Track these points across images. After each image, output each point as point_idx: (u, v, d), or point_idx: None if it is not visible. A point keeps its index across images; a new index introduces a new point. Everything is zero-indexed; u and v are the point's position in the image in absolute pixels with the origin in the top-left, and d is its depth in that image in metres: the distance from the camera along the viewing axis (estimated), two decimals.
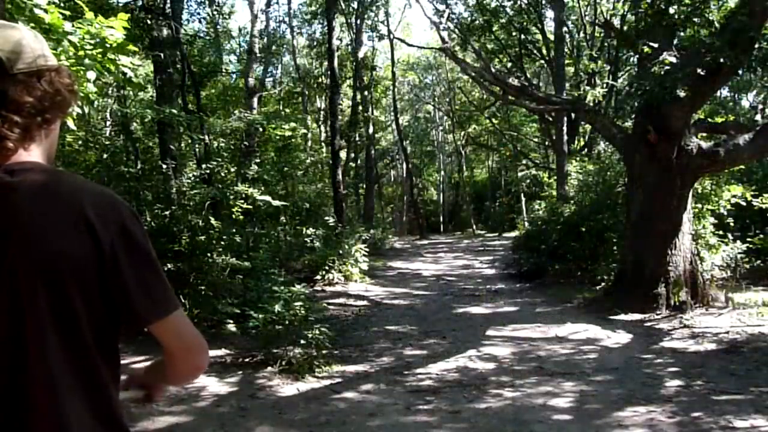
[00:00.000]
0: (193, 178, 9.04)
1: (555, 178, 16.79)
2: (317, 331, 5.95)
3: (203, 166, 9.18)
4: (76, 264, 1.02)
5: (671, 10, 7.61)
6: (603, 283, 9.57)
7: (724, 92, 22.06)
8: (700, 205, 9.53)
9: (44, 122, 1.11)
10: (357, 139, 24.96)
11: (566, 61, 17.89)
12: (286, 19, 25.80)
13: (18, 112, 1.06)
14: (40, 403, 1.00)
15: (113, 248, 1.04)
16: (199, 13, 18.31)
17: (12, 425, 0.99)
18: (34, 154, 1.10)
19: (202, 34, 18.44)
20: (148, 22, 10.90)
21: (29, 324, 0.99)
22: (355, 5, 22.06)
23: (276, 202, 9.54)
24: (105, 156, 9.28)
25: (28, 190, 1.03)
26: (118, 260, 1.04)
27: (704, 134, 8.87)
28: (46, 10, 3.96)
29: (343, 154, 20.81)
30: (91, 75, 4.22)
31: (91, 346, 1.04)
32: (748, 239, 9.90)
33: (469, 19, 20.70)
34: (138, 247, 1.08)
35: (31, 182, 1.04)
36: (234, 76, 22.24)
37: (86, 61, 4.21)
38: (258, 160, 11.35)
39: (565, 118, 16.42)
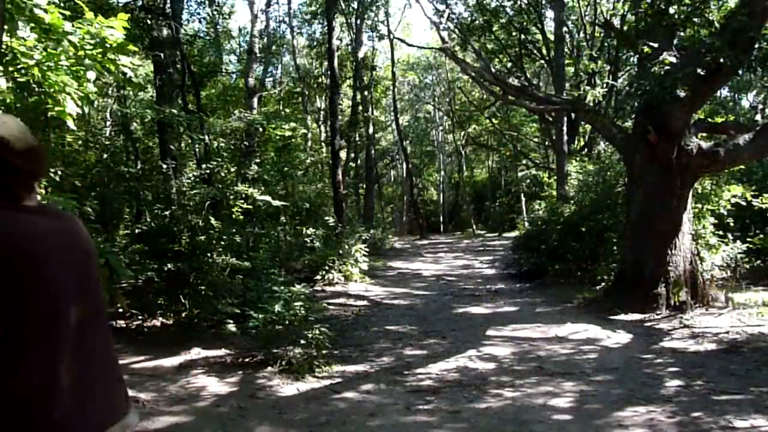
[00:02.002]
0: (193, 178, 9.04)
1: (555, 178, 16.79)
2: (317, 331, 5.94)
3: (203, 166, 9.18)
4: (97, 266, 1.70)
5: (671, 10, 7.61)
6: (603, 283, 9.57)
7: (724, 92, 22.10)
8: (700, 205, 9.53)
9: (36, 179, 1.63)
10: (357, 139, 24.96)
11: (566, 61, 17.89)
12: (286, 19, 25.83)
13: (22, 174, 1.55)
14: (107, 329, 1.66)
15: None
16: (199, 13, 18.35)
17: (102, 345, 1.59)
18: (33, 199, 1.60)
19: (202, 34, 18.46)
20: (148, 22, 10.89)
21: (99, 306, 1.62)
22: (355, 5, 22.07)
23: (276, 202, 9.54)
24: (105, 156, 9.29)
25: (71, 218, 1.70)
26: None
27: (704, 134, 8.87)
28: (46, 10, 3.96)
29: (343, 154, 20.82)
30: (91, 75, 4.22)
31: None
32: (748, 239, 9.90)
33: (469, 19, 20.69)
34: None
35: (65, 213, 1.73)
36: (234, 76, 22.25)
37: (86, 61, 4.21)
38: (258, 160, 11.34)
39: (565, 118, 16.42)
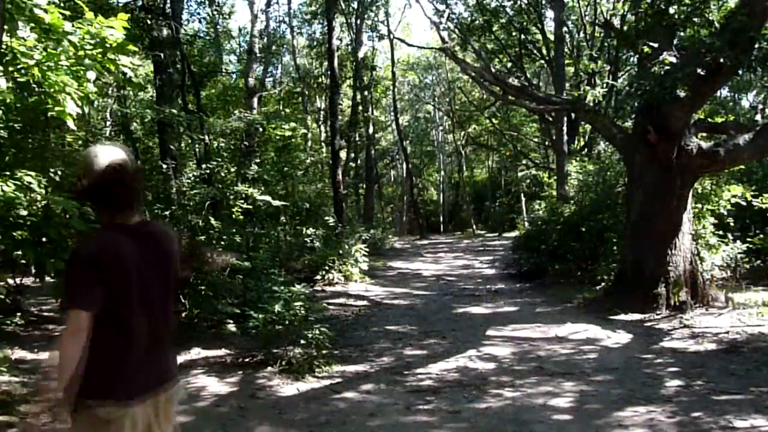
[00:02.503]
0: (193, 178, 9.04)
1: (555, 178, 16.79)
2: (317, 331, 5.94)
3: (203, 166, 9.18)
4: (177, 258, 2.27)
5: (671, 10, 7.61)
6: (603, 283, 9.56)
7: (724, 92, 22.09)
8: (700, 205, 9.53)
9: (140, 194, 2.23)
10: (357, 139, 24.96)
11: (566, 61, 17.88)
12: (286, 19, 25.84)
13: (134, 192, 2.15)
14: (171, 312, 2.26)
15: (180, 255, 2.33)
16: (199, 13, 18.37)
17: (166, 324, 2.21)
18: (138, 212, 2.20)
19: (202, 34, 18.46)
20: (148, 22, 10.90)
21: (173, 283, 2.24)
22: (355, 5, 22.07)
23: (276, 202, 9.54)
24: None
25: (159, 231, 2.29)
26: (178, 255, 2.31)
27: (704, 134, 8.86)
28: (46, 10, 3.96)
29: (343, 154, 20.81)
30: (91, 75, 4.22)
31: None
32: (748, 239, 9.89)
33: (469, 19, 20.71)
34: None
35: (156, 227, 2.37)
36: (234, 76, 22.26)
37: (86, 61, 4.21)
38: (258, 160, 11.34)
39: (565, 118, 16.41)
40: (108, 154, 2.10)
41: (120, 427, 1.99)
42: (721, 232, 9.81)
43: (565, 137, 16.53)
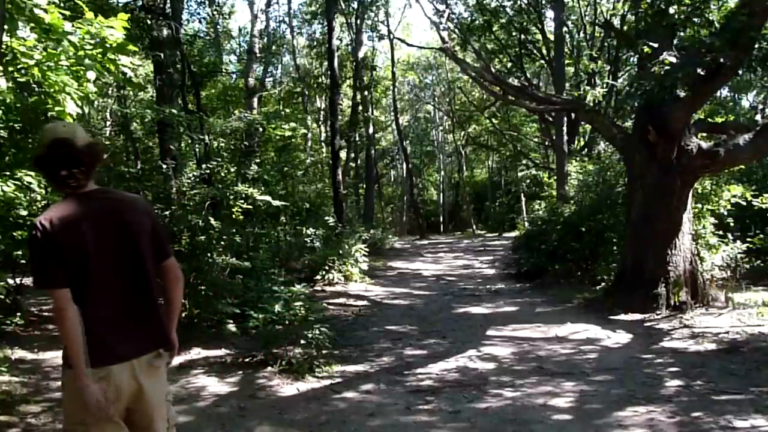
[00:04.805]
0: (193, 178, 9.02)
1: (555, 178, 16.78)
2: (317, 331, 5.94)
3: (203, 166, 9.17)
4: (146, 228, 2.31)
5: (671, 10, 7.59)
6: (603, 283, 9.56)
7: (724, 92, 22.10)
8: (700, 205, 9.53)
9: (93, 168, 2.27)
10: (357, 139, 24.97)
11: (566, 61, 17.88)
12: (286, 19, 25.89)
13: (85, 165, 2.22)
14: (146, 282, 2.30)
15: (155, 222, 2.38)
16: (199, 13, 18.39)
17: (140, 292, 2.29)
18: (91, 185, 2.28)
19: (202, 34, 18.48)
20: (148, 22, 10.90)
21: (142, 251, 2.28)
22: (355, 5, 22.08)
23: (276, 202, 9.53)
24: (105, 156, 9.26)
25: (117, 198, 2.36)
26: (156, 228, 2.37)
27: (704, 134, 8.86)
28: (46, 10, 3.96)
29: (343, 154, 20.82)
30: (91, 75, 4.22)
31: (154, 260, 2.35)
32: (748, 239, 9.89)
33: (469, 19, 20.73)
34: (160, 223, 2.44)
35: (116, 195, 2.40)
36: (234, 76, 22.26)
37: (86, 61, 4.21)
38: (258, 160, 11.33)
39: (565, 118, 16.41)
40: (51, 131, 2.25)
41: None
42: (721, 232, 9.81)
43: (565, 137, 16.52)
